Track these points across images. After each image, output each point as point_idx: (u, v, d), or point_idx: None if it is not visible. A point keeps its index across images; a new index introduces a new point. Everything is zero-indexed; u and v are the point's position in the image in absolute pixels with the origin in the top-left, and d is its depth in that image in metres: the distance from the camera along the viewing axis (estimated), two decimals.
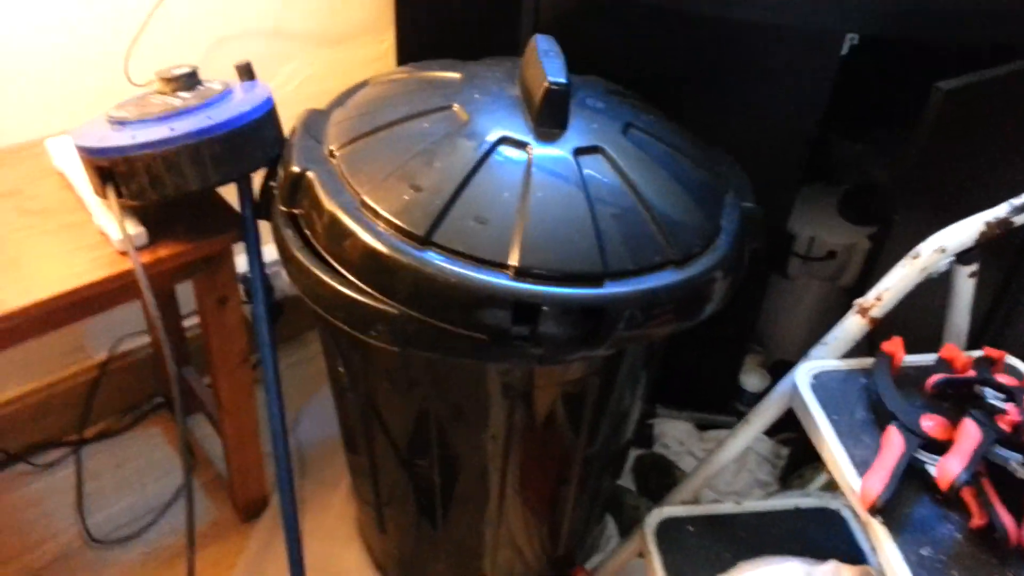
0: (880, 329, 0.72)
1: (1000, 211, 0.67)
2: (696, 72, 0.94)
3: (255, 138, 0.75)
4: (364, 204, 0.67)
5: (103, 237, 0.78)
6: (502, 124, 0.72)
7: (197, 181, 0.74)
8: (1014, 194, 0.68)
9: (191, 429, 1.19)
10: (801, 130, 0.93)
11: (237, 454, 1.02)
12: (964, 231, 0.68)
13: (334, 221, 0.66)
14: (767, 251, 0.83)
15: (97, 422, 1.18)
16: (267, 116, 0.76)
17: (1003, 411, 0.60)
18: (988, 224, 0.67)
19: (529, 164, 0.69)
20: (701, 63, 0.93)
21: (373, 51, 1.19)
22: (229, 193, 0.82)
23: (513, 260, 0.63)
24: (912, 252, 0.68)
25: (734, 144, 0.88)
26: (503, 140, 0.71)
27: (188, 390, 1.12)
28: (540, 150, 0.71)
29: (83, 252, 0.77)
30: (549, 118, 0.73)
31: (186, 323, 1.16)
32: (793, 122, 0.92)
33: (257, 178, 0.80)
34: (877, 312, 0.70)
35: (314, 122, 0.78)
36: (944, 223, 0.69)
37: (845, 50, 0.86)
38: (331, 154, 0.72)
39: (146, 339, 1.18)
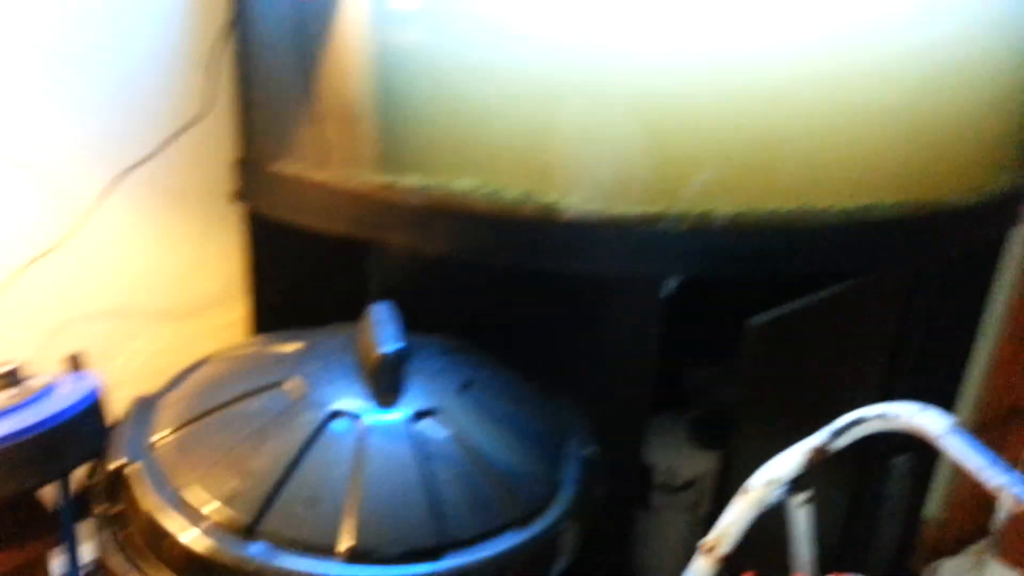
0: (736, 562, 0.72)
1: (821, 437, 0.71)
2: (536, 321, 0.98)
3: (75, 435, 0.72)
4: (184, 499, 0.64)
5: None
6: (338, 396, 0.73)
7: (11, 486, 0.69)
8: (836, 416, 0.72)
9: None
10: (640, 367, 0.97)
11: None
12: (789, 461, 0.70)
13: (150, 520, 0.62)
14: (627, 488, 0.83)
15: None
16: (89, 410, 0.74)
17: None
18: (812, 452, 0.70)
19: (363, 435, 0.69)
20: (539, 313, 0.98)
21: (223, 320, 1.20)
22: (50, 490, 0.77)
23: (345, 543, 0.61)
24: (743, 487, 0.69)
25: (580, 386, 0.90)
26: (336, 413, 0.70)
27: None
28: (374, 419, 0.71)
29: None
30: (383, 386, 0.73)
31: None
32: (631, 360, 0.97)
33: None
34: (723, 550, 0.70)
35: (143, 409, 0.76)
36: (777, 449, 0.72)
37: (668, 289, 0.93)
38: (155, 444, 0.70)
39: None
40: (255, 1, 0.94)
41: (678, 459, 1.11)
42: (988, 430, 1.31)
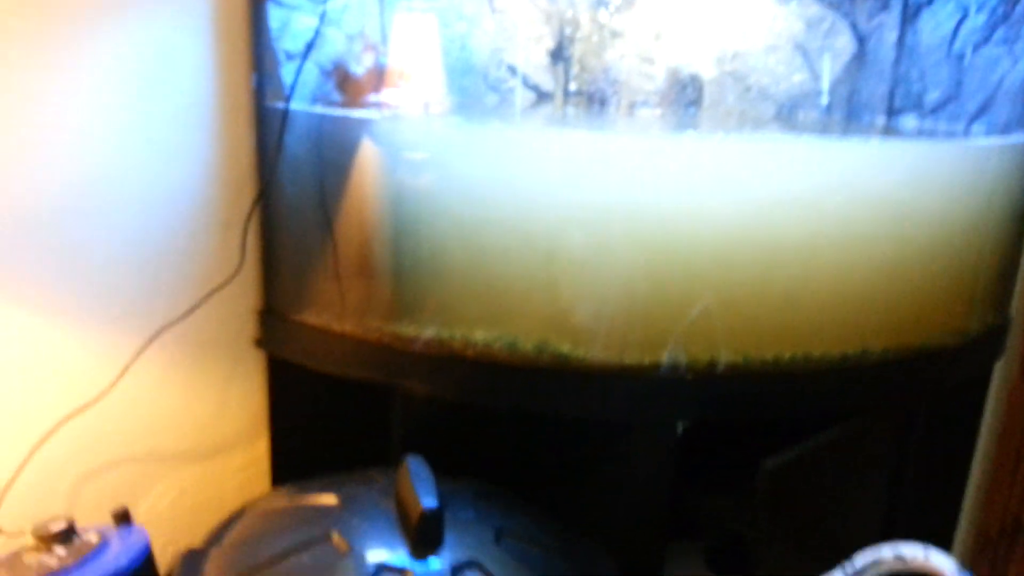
0: None
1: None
2: (555, 463, 1.03)
3: None
4: None
5: None
6: (380, 549, 0.77)
7: None
8: (846, 543, 0.77)
9: None
10: (656, 503, 1.02)
11: None
12: None
13: None
14: None
15: None
16: (143, 567, 0.77)
17: None
18: None
19: None
20: (558, 454, 1.03)
21: (244, 459, 1.23)
22: None
23: None
24: None
25: (601, 522, 0.95)
26: (382, 568, 0.74)
27: None
28: (418, 572, 0.74)
29: None
30: (425, 540, 0.78)
31: None
32: (648, 496, 1.02)
33: None
34: None
35: (192, 563, 0.79)
36: None
37: (681, 427, 0.99)
38: None
39: None
40: (282, 168, 1.02)
41: None
42: (991, 547, 1.35)
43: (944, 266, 1.02)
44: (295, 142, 1.01)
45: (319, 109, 1.00)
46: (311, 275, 1.04)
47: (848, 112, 1.31)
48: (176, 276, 1.07)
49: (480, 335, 0.95)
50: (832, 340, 0.96)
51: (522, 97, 1.37)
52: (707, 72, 1.29)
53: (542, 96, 1.40)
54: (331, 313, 1.03)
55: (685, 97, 1.26)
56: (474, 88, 1.29)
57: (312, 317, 1.05)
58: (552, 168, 0.91)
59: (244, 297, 1.12)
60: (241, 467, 1.24)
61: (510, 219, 0.92)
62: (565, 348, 0.94)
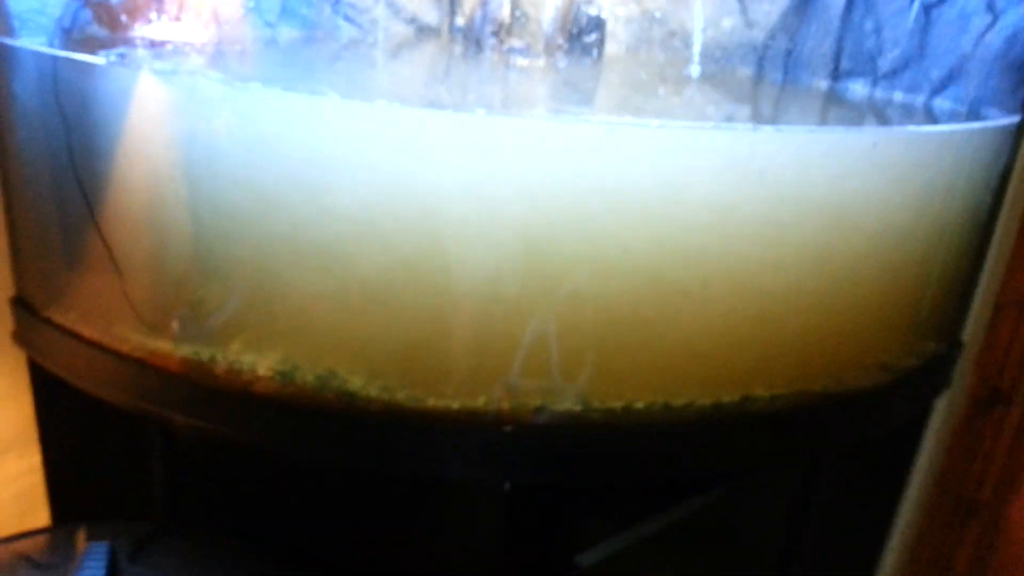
0: None
1: None
2: (351, 521, 0.82)
3: None
4: None
5: None
6: None
7: None
8: None
9: None
10: (490, 562, 0.81)
11: None
12: None
13: None
14: None
15: None
16: None
17: None
18: None
19: None
20: (358, 512, 0.82)
21: (19, 465, 1.03)
22: None
23: None
24: None
25: None
26: None
27: None
28: None
29: None
30: None
31: None
32: (482, 554, 0.81)
33: None
34: None
35: None
36: None
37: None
38: None
39: None
40: (13, 123, 0.78)
41: None
42: None
43: (866, 288, 0.78)
44: (29, 89, 0.77)
45: (40, 47, 0.75)
46: (54, 261, 0.82)
47: (785, 71, 1.05)
48: None
49: (248, 358, 0.73)
50: (703, 385, 0.74)
51: (396, 33, 1.11)
52: (614, 9, 1.03)
53: (423, 31, 1.14)
54: (76, 312, 0.81)
55: (580, 44, 1.00)
56: (320, 17, 1.03)
57: (59, 315, 0.83)
58: (325, 142, 0.67)
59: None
60: (15, 475, 1.03)
61: (277, 201, 0.68)
62: (355, 383, 0.72)
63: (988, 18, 0.90)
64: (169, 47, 0.80)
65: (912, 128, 0.80)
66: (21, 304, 0.87)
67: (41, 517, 1.04)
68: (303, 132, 0.67)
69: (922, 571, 1.07)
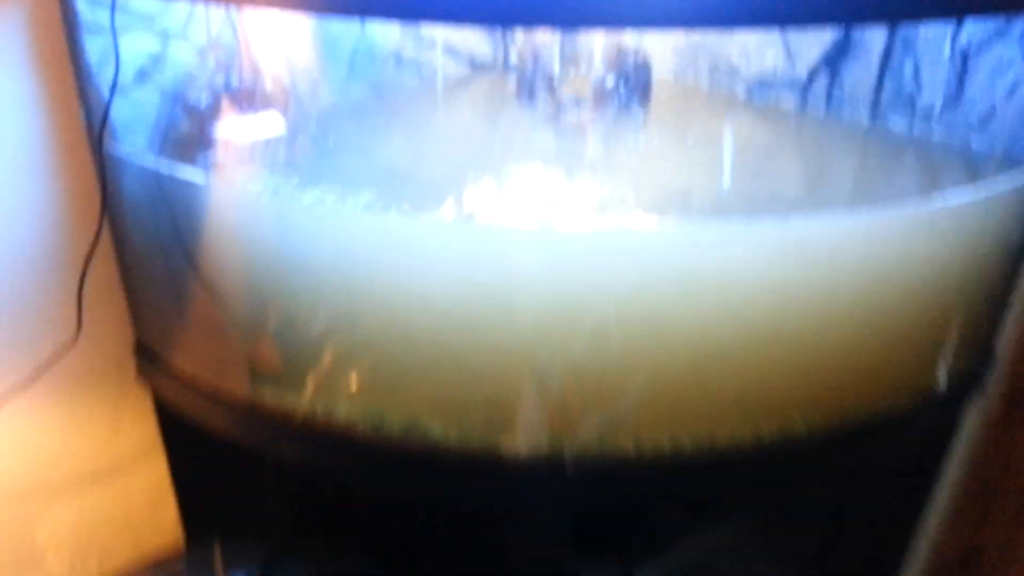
0: None
1: None
2: (443, 550, 0.96)
3: None
4: None
5: None
6: None
7: None
8: None
9: None
10: None
11: None
12: None
13: None
14: None
15: None
16: None
17: None
18: None
19: None
20: (448, 542, 0.95)
21: (149, 476, 1.19)
22: None
23: None
24: None
25: None
26: None
27: None
28: None
29: None
30: None
31: None
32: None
33: None
34: None
35: None
36: None
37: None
38: None
39: None
40: (124, 215, 0.90)
41: None
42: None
43: (901, 322, 0.84)
44: (134, 186, 0.89)
45: (143, 159, 0.86)
46: (173, 322, 0.95)
47: (827, 105, 1.09)
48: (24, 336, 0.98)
49: (344, 409, 0.86)
50: (744, 422, 0.83)
51: (452, 73, 1.18)
52: (659, 50, 1.08)
53: (477, 67, 1.20)
54: (195, 362, 0.94)
55: (627, 89, 1.06)
56: (385, 76, 1.11)
57: (178, 362, 0.96)
58: (384, 252, 0.77)
59: (122, 334, 1.03)
60: (145, 486, 1.20)
61: (358, 291, 0.79)
62: (435, 430, 0.84)
63: (1022, 66, 0.93)
64: (252, 147, 0.90)
65: (956, 195, 0.82)
66: (143, 349, 1.01)
67: (169, 517, 1.21)
68: (374, 247, 0.77)
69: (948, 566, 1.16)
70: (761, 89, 1.12)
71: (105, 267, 0.93)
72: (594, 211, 0.82)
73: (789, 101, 1.11)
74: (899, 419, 0.87)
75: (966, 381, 0.94)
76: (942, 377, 0.90)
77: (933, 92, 1.00)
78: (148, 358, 1.00)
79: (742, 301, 0.74)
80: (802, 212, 0.73)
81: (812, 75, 1.08)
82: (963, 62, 0.96)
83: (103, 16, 0.83)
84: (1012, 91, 0.95)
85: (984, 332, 0.95)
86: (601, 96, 1.05)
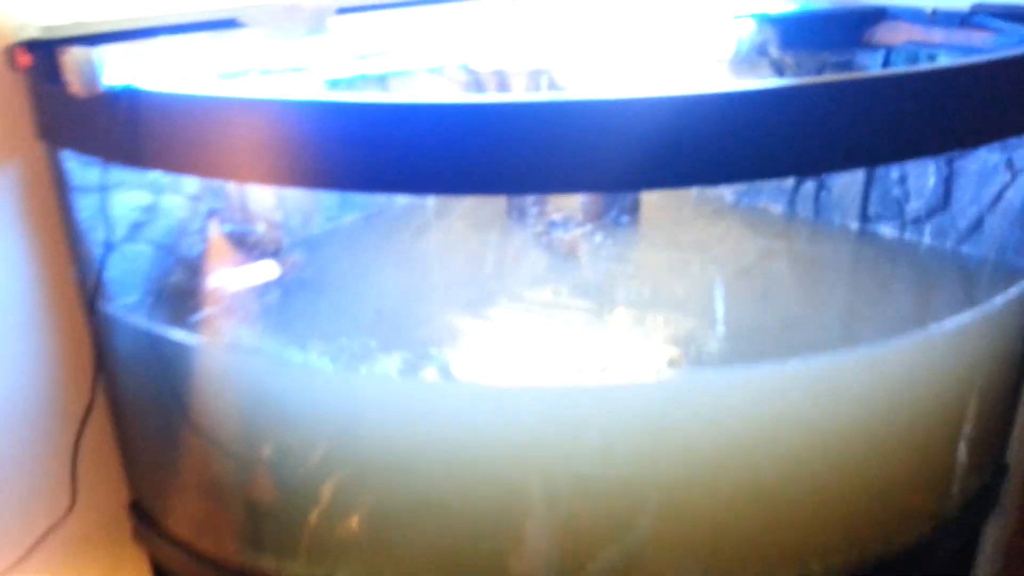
0: None
1: None
2: None
3: None
4: None
5: None
6: None
7: None
8: None
9: None
10: None
11: None
12: None
13: None
14: None
15: None
16: None
17: None
18: None
19: None
20: None
21: None
22: None
23: None
24: None
25: None
26: None
27: None
28: None
29: None
30: None
31: None
32: None
33: None
34: None
35: None
36: None
37: None
38: None
39: None
40: (118, 373, 0.89)
41: None
42: None
43: (911, 454, 0.84)
44: (127, 344, 0.87)
45: (136, 318, 0.85)
46: (169, 484, 0.93)
47: (816, 211, 1.10)
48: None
49: (342, 574, 0.84)
50: (763, 566, 0.81)
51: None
52: None
53: None
54: (191, 526, 0.92)
55: (617, 210, 1.06)
56: (375, 198, 1.11)
57: (174, 526, 0.94)
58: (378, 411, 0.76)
59: (118, 494, 1.00)
60: None
61: (352, 451, 0.78)
62: None
63: (1007, 175, 0.94)
64: (244, 301, 0.89)
65: (956, 320, 0.81)
66: (138, 509, 0.98)
67: None
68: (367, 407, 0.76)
69: None
70: (749, 193, 1.14)
71: (100, 427, 0.91)
72: (589, 364, 0.81)
73: (776, 207, 1.13)
74: (920, 547, 0.86)
75: (982, 498, 0.93)
76: (958, 498, 0.89)
77: (920, 198, 1.01)
78: (144, 521, 0.97)
79: (747, 449, 0.73)
80: (799, 354, 0.73)
81: (799, 180, 1.09)
82: (948, 166, 0.97)
83: (93, 176, 0.83)
84: (996, 200, 0.96)
85: (995, 447, 0.95)
86: (590, 212, 1.06)
